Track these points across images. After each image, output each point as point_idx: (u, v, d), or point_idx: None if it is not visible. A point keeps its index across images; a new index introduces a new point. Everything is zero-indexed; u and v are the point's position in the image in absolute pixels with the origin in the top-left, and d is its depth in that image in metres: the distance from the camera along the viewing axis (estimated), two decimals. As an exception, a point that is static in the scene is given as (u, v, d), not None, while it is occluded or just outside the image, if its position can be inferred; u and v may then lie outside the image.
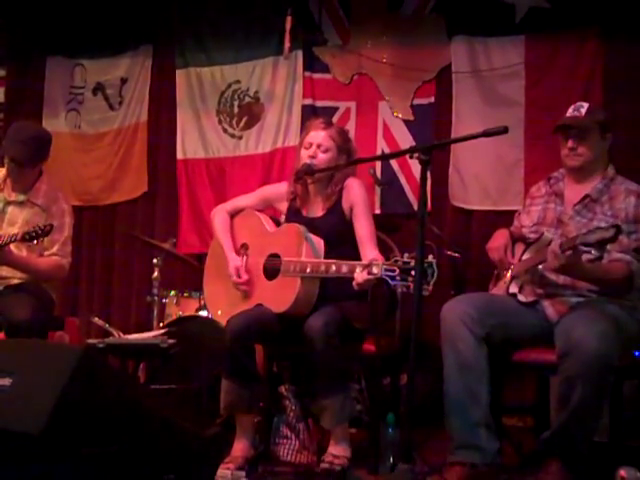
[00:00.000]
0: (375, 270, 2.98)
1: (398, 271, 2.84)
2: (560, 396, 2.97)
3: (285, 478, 3.27)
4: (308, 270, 3.27)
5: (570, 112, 3.38)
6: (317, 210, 3.63)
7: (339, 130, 3.66)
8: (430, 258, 2.72)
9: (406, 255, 2.85)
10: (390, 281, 2.88)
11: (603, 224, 3.11)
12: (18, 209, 4.04)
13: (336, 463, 3.20)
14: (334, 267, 3.20)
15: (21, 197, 4.05)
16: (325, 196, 3.60)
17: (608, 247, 2.90)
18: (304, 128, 3.77)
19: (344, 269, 3.16)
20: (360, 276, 3.05)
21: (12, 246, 3.80)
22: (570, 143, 3.32)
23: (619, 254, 3.09)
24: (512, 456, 3.59)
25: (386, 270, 2.89)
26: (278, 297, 3.38)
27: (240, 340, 3.31)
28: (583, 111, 3.33)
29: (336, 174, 3.58)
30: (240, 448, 3.38)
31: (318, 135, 3.57)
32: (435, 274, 2.69)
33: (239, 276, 3.53)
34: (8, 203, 4.06)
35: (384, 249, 4.09)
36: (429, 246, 3.78)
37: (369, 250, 3.39)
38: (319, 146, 3.54)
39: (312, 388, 3.33)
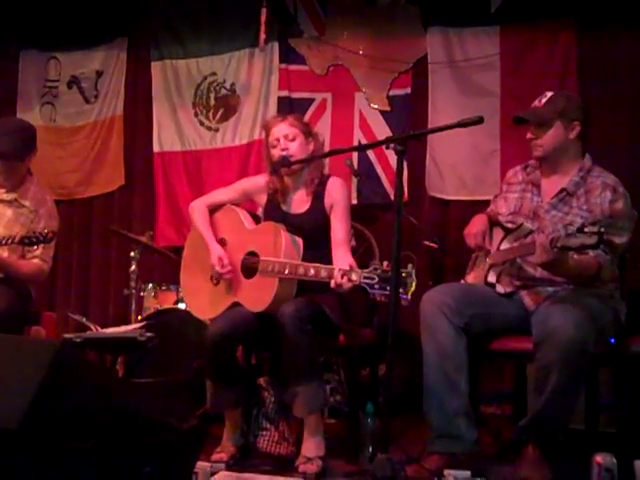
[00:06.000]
0: (354, 277, 2.96)
1: (377, 279, 2.85)
2: (536, 383, 3.00)
3: (265, 470, 3.28)
4: (287, 272, 3.24)
5: (534, 103, 3.39)
6: (298, 205, 3.61)
7: (295, 117, 3.70)
8: (409, 268, 2.74)
9: (385, 263, 2.85)
10: (369, 289, 2.88)
11: (578, 219, 3.12)
12: (5, 207, 3.99)
13: (309, 471, 3.18)
14: (312, 270, 3.16)
15: (10, 195, 4.01)
16: (304, 185, 3.59)
17: None
18: (263, 131, 3.72)
19: (323, 273, 3.12)
20: (339, 280, 3.03)
21: None
22: (528, 134, 3.33)
23: None
24: (490, 444, 3.62)
25: (365, 278, 2.89)
26: (256, 297, 3.37)
27: (222, 345, 3.31)
28: (544, 101, 3.31)
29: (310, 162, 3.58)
30: (230, 437, 3.45)
31: (280, 128, 3.57)
32: (414, 284, 2.71)
33: (222, 266, 3.49)
34: None
35: (361, 240, 4.12)
36: (409, 256, 3.79)
37: (342, 253, 3.38)
38: (286, 137, 3.54)
39: (285, 376, 3.33)
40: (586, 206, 3.20)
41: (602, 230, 2.74)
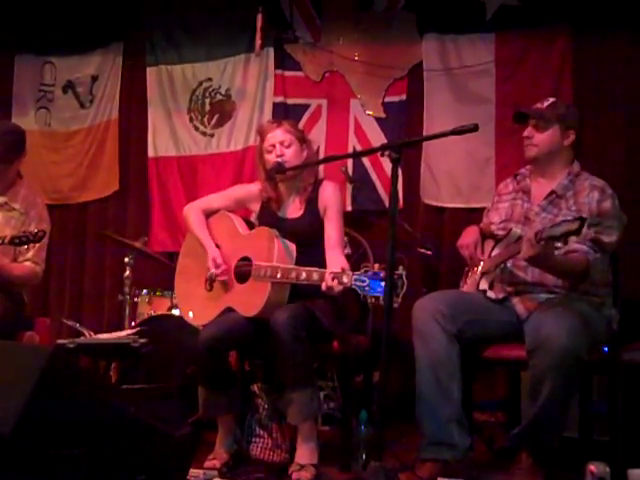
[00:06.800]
0: (345, 279, 2.97)
1: (368, 281, 2.85)
2: (530, 391, 3.00)
3: (258, 477, 3.27)
4: (279, 275, 3.24)
5: (537, 104, 3.41)
6: (293, 210, 3.62)
7: (291, 123, 3.70)
8: (400, 270, 2.73)
9: (376, 265, 2.86)
10: (360, 291, 2.88)
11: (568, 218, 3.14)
12: None
13: (302, 478, 3.18)
14: (304, 274, 3.17)
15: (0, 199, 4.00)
16: (297, 192, 3.60)
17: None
18: (258, 136, 3.75)
19: (315, 276, 3.13)
20: (329, 283, 3.04)
21: None
22: (526, 131, 3.37)
23: (576, 244, 3.10)
24: (484, 452, 3.61)
25: (356, 280, 2.89)
26: (248, 301, 3.37)
27: (214, 351, 3.32)
28: (546, 104, 3.37)
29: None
30: (223, 444, 3.44)
31: (275, 135, 3.57)
32: (405, 286, 2.71)
33: (217, 266, 3.49)
34: None
35: (355, 247, 4.11)
36: (400, 258, 3.79)
37: (335, 255, 3.40)
38: (281, 143, 3.55)
39: (279, 383, 3.33)
40: (575, 207, 3.24)
41: (584, 216, 2.80)
